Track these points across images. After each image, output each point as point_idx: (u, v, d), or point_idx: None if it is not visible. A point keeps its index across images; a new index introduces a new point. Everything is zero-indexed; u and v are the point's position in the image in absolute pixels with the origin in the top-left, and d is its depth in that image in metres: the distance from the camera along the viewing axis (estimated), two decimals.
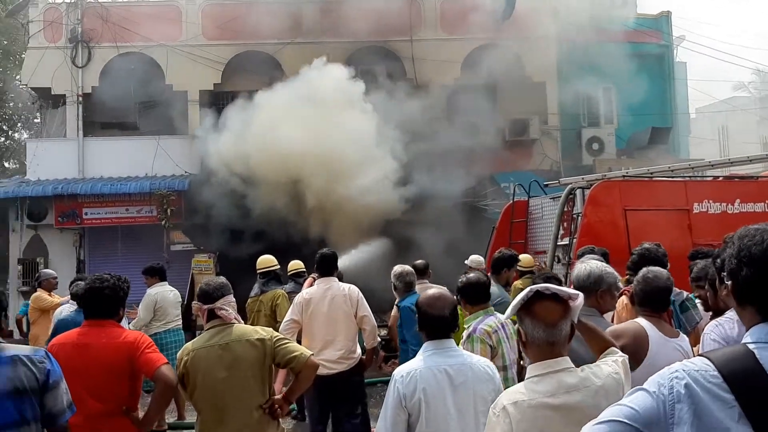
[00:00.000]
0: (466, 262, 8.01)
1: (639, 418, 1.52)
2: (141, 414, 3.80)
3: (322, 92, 12.65)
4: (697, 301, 4.96)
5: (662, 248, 5.13)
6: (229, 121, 13.05)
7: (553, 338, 2.36)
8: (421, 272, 7.47)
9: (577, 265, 3.88)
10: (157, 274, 8.17)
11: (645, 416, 1.52)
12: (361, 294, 6.05)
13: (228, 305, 3.82)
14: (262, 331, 3.85)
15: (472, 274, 4.56)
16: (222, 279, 3.99)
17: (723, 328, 3.18)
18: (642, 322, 3.46)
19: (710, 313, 4.97)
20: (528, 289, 2.42)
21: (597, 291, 3.63)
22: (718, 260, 3.13)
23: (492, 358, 4.22)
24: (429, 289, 3.34)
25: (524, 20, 15.67)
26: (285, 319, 6.17)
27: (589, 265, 3.76)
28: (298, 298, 6.23)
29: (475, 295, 4.41)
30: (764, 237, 1.57)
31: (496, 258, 6.47)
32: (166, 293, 8.10)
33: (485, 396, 3.06)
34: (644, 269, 3.74)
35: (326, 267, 6.17)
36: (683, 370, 1.52)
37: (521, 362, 4.76)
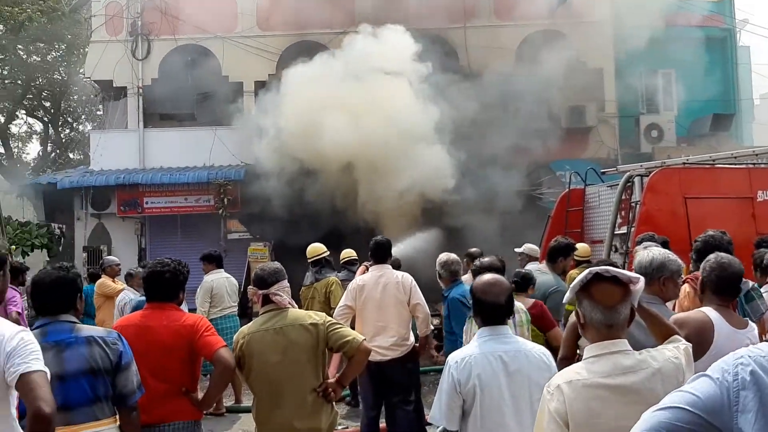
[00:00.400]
0: (516, 250, 7.90)
1: (701, 405, 1.49)
2: (200, 395, 3.91)
3: (380, 66, 12.53)
4: (764, 289, 4.82)
5: (728, 236, 4.95)
6: (281, 107, 13.09)
7: (611, 321, 2.34)
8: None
9: (640, 251, 3.80)
10: (213, 261, 8.34)
11: (708, 403, 1.48)
12: (414, 282, 6.07)
13: (282, 291, 3.90)
14: (316, 316, 3.93)
15: (486, 258, 4.57)
16: (277, 265, 4.07)
17: None
18: (709, 312, 3.34)
19: None
20: (588, 270, 2.40)
21: (660, 278, 3.53)
22: None
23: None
24: (484, 275, 3.32)
25: (580, 5, 15.36)
26: (339, 305, 6.27)
27: (652, 251, 3.66)
28: (352, 284, 6.33)
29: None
30: None
31: (552, 247, 6.37)
32: (221, 280, 8.24)
33: (540, 383, 3.02)
34: (714, 255, 3.61)
35: (380, 254, 6.22)
36: (749, 356, 1.48)
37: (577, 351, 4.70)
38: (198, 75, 15.84)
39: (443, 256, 6.14)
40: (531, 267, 6.96)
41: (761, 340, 4.52)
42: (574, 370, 2.37)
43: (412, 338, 6.14)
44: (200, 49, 16.21)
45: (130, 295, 7.93)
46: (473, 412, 3.03)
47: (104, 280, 9.08)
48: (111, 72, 16.24)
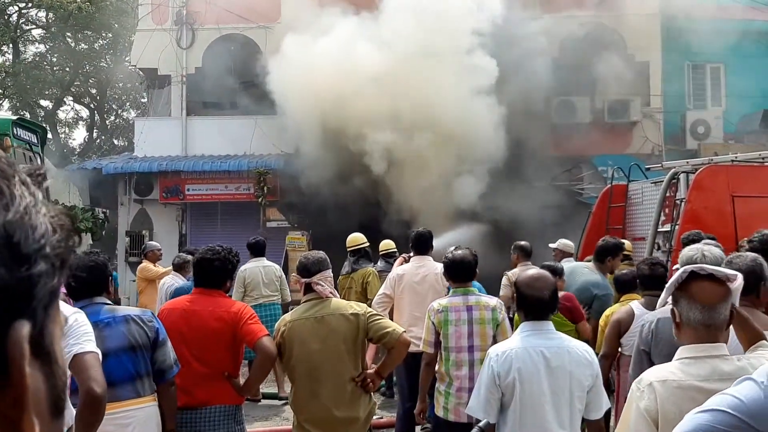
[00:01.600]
0: (551, 245, 7.78)
1: (744, 409, 1.45)
2: (241, 381, 3.97)
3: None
4: None
5: None
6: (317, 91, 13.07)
7: (710, 321, 2.25)
8: (527, 254, 7.45)
9: (686, 251, 3.70)
10: (250, 249, 8.30)
11: (751, 407, 1.45)
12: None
13: (325, 280, 3.93)
14: (357, 306, 3.95)
15: (458, 251, 4.53)
16: (321, 254, 4.09)
17: None
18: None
19: None
20: (682, 269, 2.31)
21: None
22: None
23: (437, 336, 4.29)
24: (529, 270, 3.29)
25: None
26: (378, 293, 6.33)
27: (700, 248, 3.60)
28: (392, 273, 6.39)
29: (456, 272, 4.43)
30: None
31: (600, 246, 6.19)
32: (255, 269, 8.12)
33: (582, 380, 3.01)
34: (732, 254, 3.53)
35: (421, 246, 6.24)
36: None
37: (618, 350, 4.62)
38: (241, 64, 15.97)
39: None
40: (566, 264, 6.89)
41: None
42: (668, 370, 2.30)
43: None
44: (244, 38, 16.34)
45: (170, 280, 8.02)
46: (512, 406, 3.02)
47: (146, 264, 9.24)
48: (156, 60, 16.47)
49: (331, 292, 3.97)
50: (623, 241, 8.62)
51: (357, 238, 8.31)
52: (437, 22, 12.31)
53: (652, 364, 3.52)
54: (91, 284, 3.44)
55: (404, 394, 6.25)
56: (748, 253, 3.55)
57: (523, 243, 7.55)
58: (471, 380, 4.22)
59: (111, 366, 3.14)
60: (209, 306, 3.88)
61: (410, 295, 6.06)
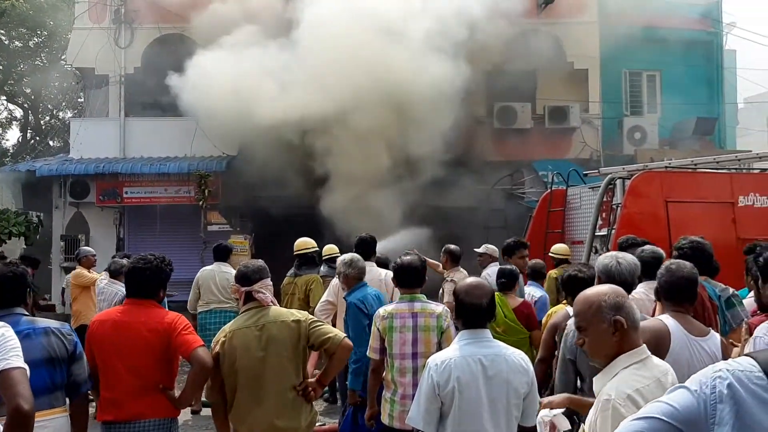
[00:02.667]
0: (476, 250, 7.81)
1: (678, 416, 1.49)
2: (177, 393, 3.86)
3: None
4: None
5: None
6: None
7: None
8: (455, 258, 7.47)
9: (604, 257, 3.78)
10: (214, 253, 8.30)
11: (685, 414, 1.48)
12: None
13: (265, 288, 3.88)
14: (298, 314, 3.92)
15: (407, 257, 4.56)
16: (260, 262, 4.04)
17: None
18: (666, 319, 3.35)
19: (752, 305, 4.86)
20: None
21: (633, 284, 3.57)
22: (761, 259, 3.03)
23: (382, 343, 4.30)
24: (467, 279, 3.30)
25: (566, 5, 15.38)
26: (321, 300, 6.26)
27: (618, 256, 3.69)
28: (335, 280, 6.30)
29: (405, 278, 4.44)
30: None
31: (507, 245, 6.30)
32: (211, 273, 8.05)
33: (518, 388, 3.04)
34: (668, 261, 3.65)
35: (365, 251, 6.19)
36: (727, 370, 1.48)
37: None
38: (181, 65, 15.65)
39: (347, 256, 5.72)
40: (493, 269, 6.99)
41: (741, 347, 4.54)
42: (632, 379, 2.30)
43: None
44: (184, 38, 16.02)
45: (110, 287, 7.80)
46: (451, 414, 3.02)
47: (80, 270, 8.95)
48: (93, 59, 16.00)
49: (272, 301, 3.91)
50: (560, 245, 8.81)
51: (304, 243, 8.20)
52: (377, 22, 12.36)
53: (577, 372, 3.58)
54: (9, 295, 3.39)
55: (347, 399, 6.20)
56: (686, 262, 3.65)
57: (452, 247, 7.58)
58: (415, 387, 4.15)
59: (30, 377, 3.06)
60: (142, 317, 3.78)
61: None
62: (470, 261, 7.86)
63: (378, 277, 6.04)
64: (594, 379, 2.41)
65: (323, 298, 6.28)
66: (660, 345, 3.25)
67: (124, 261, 7.40)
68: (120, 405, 3.68)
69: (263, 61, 12.55)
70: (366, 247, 6.22)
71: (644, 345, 2.42)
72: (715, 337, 3.38)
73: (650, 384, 2.29)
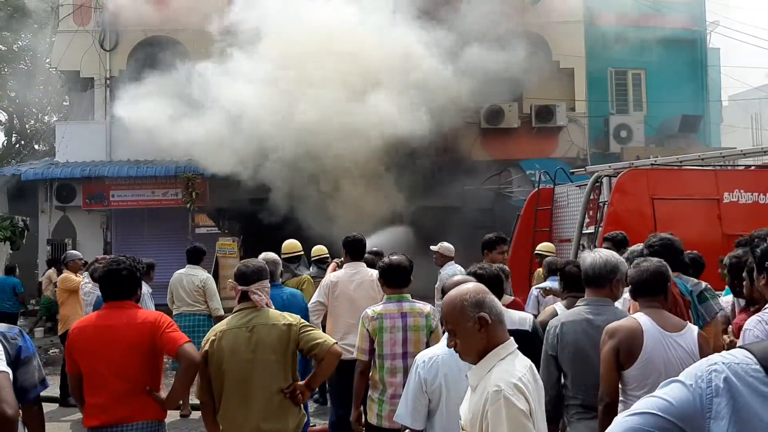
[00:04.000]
0: (432, 248, 7.80)
1: (674, 411, 1.47)
2: (163, 394, 3.83)
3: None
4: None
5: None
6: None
7: None
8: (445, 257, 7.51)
9: (588, 253, 3.82)
10: (187, 256, 8.13)
11: (680, 409, 1.47)
12: None
13: (262, 290, 3.86)
14: (290, 317, 3.88)
15: (395, 257, 4.57)
16: (261, 263, 4.03)
17: (766, 325, 3.05)
18: (639, 317, 3.38)
19: (730, 302, 4.90)
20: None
21: (612, 280, 3.60)
22: (758, 250, 3.06)
23: (371, 344, 4.28)
24: (454, 277, 3.30)
25: (553, 4, 15.45)
26: (312, 301, 6.25)
27: (603, 253, 3.73)
28: (325, 280, 6.30)
29: (392, 278, 4.44)
30: None
31: (484, 241, 6.29)
32: (179, 276, 7.92)
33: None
34: (637, 259, 3.69)
35: (355, 251, 6.18)
36: (723, 363, 1.46)
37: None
38: (167, 67, 15.58)
39: (262, 255, 5.72)
40: (450, 267, 6.97)
41: (722, 340, 4.57)
42: (516, 369, 2.36)
43: None
44: (170, 41, 15.96)
45: (92, 288, 7.76)
46: (439, 411, 3.02)
47: (67, 274, 8.89)
48: (78, 63, 15.92)
49: (267, 303, 3.89)
50: (546, 243, 8.84)
51: (292, 245, 8.17)
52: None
53: (559, 368, 3.61)
54: None
55: (337, 401, 6.19)
56: (653, 258, 3.70)
57: (446, 245, 7.68)
58: (403, 386, 4.20)
59: None
60: (124, 318, 3.74)
61: (345, 303, 6.00)
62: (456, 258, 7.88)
63: (369, 277, 6.02)
64: (469, 373, 2.46)
65: (314, 299, 6.26)
66: (633, 343, 3.30)
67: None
68: (106, 409, 3.63)
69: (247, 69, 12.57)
70: (356, 247, 6.21)
71: (511, 338, 2.47)
72: (692, 331, 3.39)
73: (526, 373, 2.36)
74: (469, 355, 2.46)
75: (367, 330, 4.31)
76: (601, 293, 3.63)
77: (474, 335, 2.41)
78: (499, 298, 3.81)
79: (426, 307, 4.47)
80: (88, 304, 7.59)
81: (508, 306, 5.55)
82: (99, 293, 7.27)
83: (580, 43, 15.77)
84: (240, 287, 3.85)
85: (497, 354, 2.40)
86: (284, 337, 3.74)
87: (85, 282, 8.11)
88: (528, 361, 2.46)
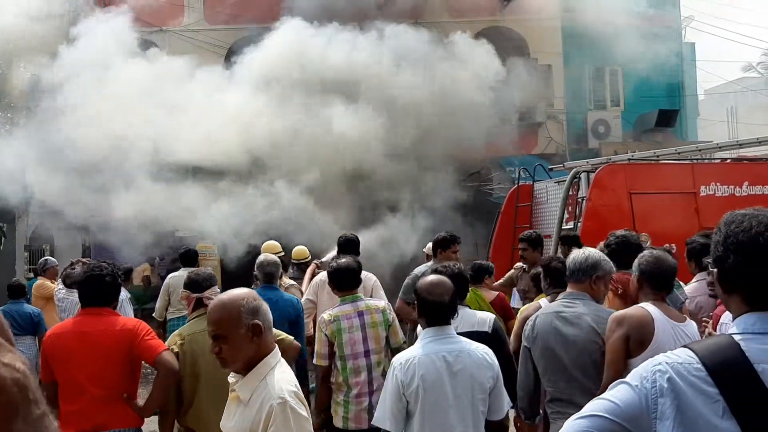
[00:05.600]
0: (425, 250, 7.81)
1: (620, 413, 1.47)
2: (140, 401, 3.80)
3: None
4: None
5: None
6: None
7: None
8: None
9: (575, 251, 3.87)
10: (180, 259, 8.27)
11: (627, 411, 1.47)
12: (377, 281, 6.06)
13: (214, 295, 3.92)
14: None
15: (342, 260, 4.62)
16: (209, 270, 4.23)
17: None
18: (648, 306, 3.40)
19: (698, 291, 4.96)
20: None
21: (592, 276, 3.62)
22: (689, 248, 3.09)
23: (330, 348, 4.30)
24: (428, 276, 3.30)
25: (529, 2, 15.51)
26: (302, 299, 6.29)
27: (588, 250, 3.76)
28: (315, 279, 6.36)
29: (342, 281, 4.49)
30: (752, 223, 1.50)
31: (433, 242, 6.17)
32: (179, 279, 7.85)
33: (483, 382, 3.04)
34: (649, 251, 3.71)
35: (348, 250, 6.18)
36: (666, 363, 1.47)
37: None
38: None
39: (262, 257, 5.72)
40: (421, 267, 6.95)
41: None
42: (288, 378, 2.38)
43: None
44: (145, 42, 15.80)
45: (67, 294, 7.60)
46: (417, 412, 3.02)
47: (42, 281, 8.71)
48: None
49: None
50: (456, 235, 8.80)
51: (271, 247, 8.13)
52: None
53: (532, 361, 3.64)
54: None
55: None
56: (665, 253, 3.76)
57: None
58: (370, 384, 4.27)
59: None
60: (101, 325, 3.70)
61: (335, 301, 6.01)
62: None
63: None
64: (238, 386, 2.41)
65: (305, 297, 6.29)
66: (645, 331, 3.30)
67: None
68: (82, 416, 3.60)
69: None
70: (350, 247, 6.21)
71: (277, 347, 2.48)
72: (692, 323, 3.46)
73: (292, 378, 2.38)
74: (236, 363, 2.40)
75: (326, 334, 4.33)
76: (580, 288, 3.65)
77: (245, 343, 2.36)
78: (464, 296, 3.86)
79: (380, 302, 4.56)
80: (62, 309, 7.37)
81: (493, 301, 5.57)
82: (75, 298, 7.18)
83: (557, 40, 15.85)
84: (194, 294, 3.96)
85: (267, 363, 2.36)
86: None
87: (59, 288, 7.88)
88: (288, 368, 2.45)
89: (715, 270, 1.56)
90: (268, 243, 8.21)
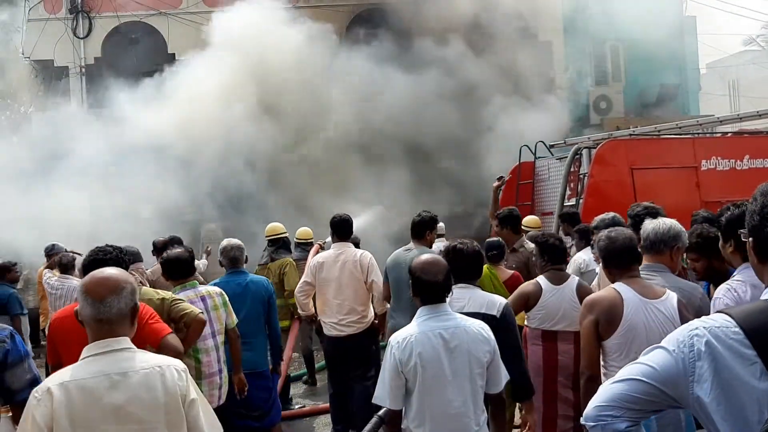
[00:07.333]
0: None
1: (657, 376, 1.53)
2: None
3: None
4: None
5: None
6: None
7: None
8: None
9: (650, 220, 3.81)
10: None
11: (663, 374, 1.52)
12: (372, 260, 6.11)
13: (136, 271, 4.19)
14: (163, 293, 4.30)
15: (173, 251, 4.85)
16: (134, 248, 4.58)
17: (736, 292, 3.06)
18: (619, 286, 3.42)
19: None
20: None
21: (673, 247, 3.60)
22: (723, 219, 3.09)
23: None
24: (422, 255, 3.32)
25: None
26: (300, 282, 6.44)
27: (668, 220, 3.72)
28: (312, 261, 6.42)
29: (175, 270, 4.74)
30: None
31: (416, 222, 6.01)
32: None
33: (480, 357, 3.08)
34: (605, 231, 3.70)
35: (342, 231, 6.21)
36: (704, 327, 1.51)
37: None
38: (143, 53, 15.39)
39: (225, 241, 5.67)
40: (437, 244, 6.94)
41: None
42: (68, 371, 2.31)
43: (371, 315, 6.18)
44: (145, 26, 15.74)
45: (75, 283, 7.57)
46: (416, 389, 3.05)
47: (43, 269, 8.65)
48: (51, 51, 15.67)
49: (141, 282, 4.21)
50: (531, 216, 8.87)
51: (276, 228, 8.18)
52: None
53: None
54: None
55: (331, 378, 6.33)
56: (620, 227, 3.76)
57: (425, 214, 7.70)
58: (218, 362, 4.61)
59: None
60: None
61: (332, 283, 6.10)
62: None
63: (353, 258, 6.08)
64: None
65: (302, 279, 6.38)
66: (612, 313, 3.34)
67: (71, 255, 7.35)
68: None
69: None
70: (343, 228, 6.24)
71: None
72: (672, 298, 3.42)
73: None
74: None
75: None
76: (659, 259, 3.65)
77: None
78: (479, 275, 3.81)
79: (215, 288, 4.89)
80: (57, 297, 7.21)
81: (508, 280, 5.56)
82: (71, 283, 7.08)
83: (558, 17, 15.70)
84: None
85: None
86: (158, 310, 3.97)
87: (48, 276, 7.70)
88: None
89: (751, 239, 1.58)
90: (272, 224, 8.25)
